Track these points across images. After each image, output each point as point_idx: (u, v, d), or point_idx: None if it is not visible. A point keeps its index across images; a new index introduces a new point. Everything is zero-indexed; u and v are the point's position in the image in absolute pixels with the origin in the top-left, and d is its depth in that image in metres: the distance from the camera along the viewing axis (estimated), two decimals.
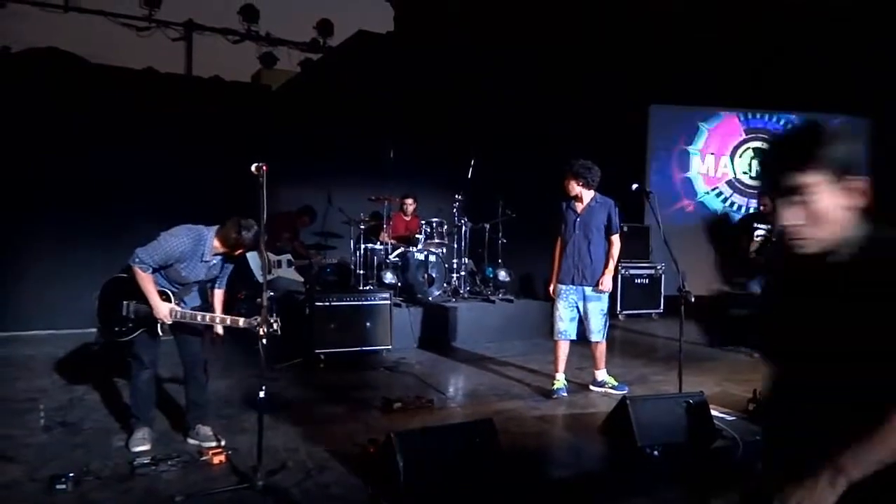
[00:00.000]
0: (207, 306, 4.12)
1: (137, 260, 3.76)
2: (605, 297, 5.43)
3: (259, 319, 3.47)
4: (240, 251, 3.96)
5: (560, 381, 5.40)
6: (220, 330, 4.01)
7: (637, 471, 3.93)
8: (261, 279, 3.79)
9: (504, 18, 11.56)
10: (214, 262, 3.98)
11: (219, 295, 4.17)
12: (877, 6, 9.84)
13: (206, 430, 4.02)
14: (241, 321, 3.74)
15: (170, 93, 8.70)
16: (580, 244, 5.35)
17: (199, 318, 3.88)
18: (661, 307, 9.79)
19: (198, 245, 3.86)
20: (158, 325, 3.87)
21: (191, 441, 3.99)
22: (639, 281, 9.62)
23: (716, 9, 10.45)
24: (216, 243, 3.89)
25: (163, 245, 3.80)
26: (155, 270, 3.83)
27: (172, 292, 3.89)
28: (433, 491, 3.28)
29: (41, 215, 7.45)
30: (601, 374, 5.58)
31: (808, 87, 10.45)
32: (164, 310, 3.80)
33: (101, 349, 5.80)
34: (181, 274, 3.89)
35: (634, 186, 5.15)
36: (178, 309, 3.85)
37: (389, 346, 6.73)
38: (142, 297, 3.81)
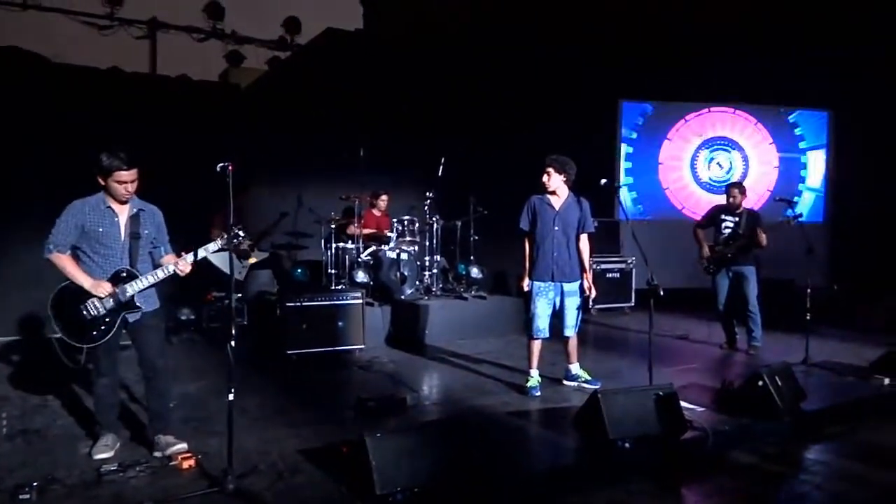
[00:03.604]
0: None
1: (51, 247, 3.65)
2: (581, 292, 5.45)
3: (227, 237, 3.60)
4: (124, 182, 3.67)
5: (534, 378, 5.39)
6: (186, 267, 3.81)
7: (609, 463, 3.96)
8: (236, 275, 3.72)
9: (473, 15, 11.57)
10: (127, 215, 3.79)
11: (168, 258, 3.93)
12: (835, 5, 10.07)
13: (168, 439, 3.88)
14: (210, 245, 3.77)
15: (135, 92, 8.56)
16: (559, 241, 5.30)
17: (159, 274, 3.77)
18: (633, 301, 9.88)
19: (96, 198, 3.75)
20: (134, 299, 3.75)
21: (155, 454, 3.83)
22: (610, 275, 9.70)
23: (683, 5, 10.58)
24: (104, 186, 3.72)
25: (63, 214, 3.70)
26: (77, 256, 3.72)
27: (127, 270, 3.76)
28: (407, 491, 3.27)
29: None
30: (574, 368, 5.60)
31: (771, 82, 10.64)
32: (102, 286, 3.67)
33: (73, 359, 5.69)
34: (101, 237, 3.72)
35: (603, 182, 5.19)
36: (137, 285, 3.74)
37: (362, 346, 6.70)
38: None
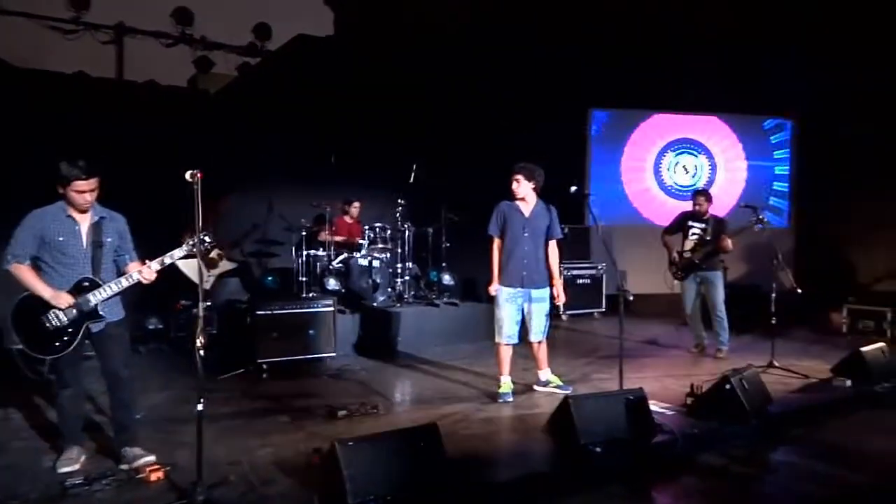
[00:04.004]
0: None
1: (9, 258, 3.60)
2: (549, 299, 5.50)
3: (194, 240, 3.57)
4: (83, 191, 3.64)
5: (506, 384, 5.41)
6: (151, 275, 3.77)
7: (580, 468, 3.99)
8: (203, 285, 3.68)
9: (444, 23, 11.61)
10: (88, 223, 3.74)
11: (133, 266, 3.87)
12: (801, 16, 10.32)
13: (136, 451, 3.83)
14: (175, 252, 3.71)
15: (102, 98, 8.43)
16: (528, 247, 5.35)
17: (123, 282, 3.73)
18: (604, 306, 9.98)
19: (55, 208, 3.70)
20: (98, 308, 3.69)
21: (122, 467, 3.76)
22: (581, 281, 9.79)
23: (651, 13, 10.74)
24: (63, 195, 3.69)
25: (22, 224, 3.65)
26: (39, 267, 3.66)
27: (90, 280, 3.70)
28: (380, 499, 3.25)
29: None
30: (545, 374, 5.64)
31: (738, 90, 10.85)
32: (62, 297, 3.60)
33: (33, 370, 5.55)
34: (63, 246, 3.66)
35: (573, 189, 5.25)
36: (100, 294, 3.69)
37: (334, 354, 6.65)
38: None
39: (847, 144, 10.28)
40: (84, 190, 3.65)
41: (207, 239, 3.63)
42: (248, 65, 12.59)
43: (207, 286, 7.52)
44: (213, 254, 7.67)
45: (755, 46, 10.44)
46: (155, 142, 7.79)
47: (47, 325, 3.60)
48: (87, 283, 3.69)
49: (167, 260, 3.79)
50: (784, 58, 10.30)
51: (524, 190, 5.37)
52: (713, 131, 11.55)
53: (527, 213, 5.41)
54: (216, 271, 7.73)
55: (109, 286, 3.72)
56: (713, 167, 11.54)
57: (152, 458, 3.78)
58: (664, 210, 10.90)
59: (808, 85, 10.38)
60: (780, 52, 10.34)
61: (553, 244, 5.50)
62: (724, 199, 10.59)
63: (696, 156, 11.52)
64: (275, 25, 12.21)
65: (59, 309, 3.61)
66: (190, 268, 7.11)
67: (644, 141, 11.40)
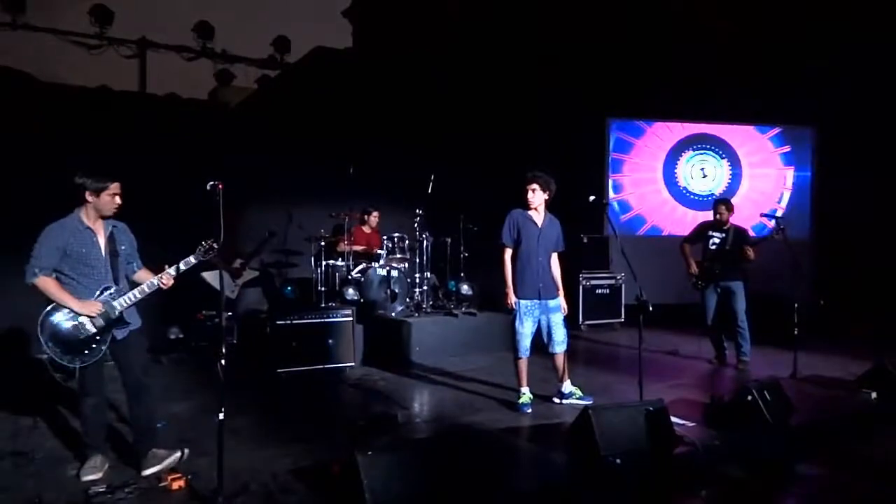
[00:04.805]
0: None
1: (36, 271, 3.64)
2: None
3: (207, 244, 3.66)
4: (117, 194, 3.77)
5: (526, 395, 5.39)
6: (169, 280, 3.85)
7: (600, 479, 3.96)
8: (228, 293, 3.74)
9: (461, 34, 11.68)
10: (104, 233, 3.82)
11: (142, 273, 3.97)
12: (818, 24, 10.25)
13: (161, 451, 3.88)
14: (191, 258, 3.78)
15: (124, 111, 8.56)
16: (542, 258, 5.35)
17: (145, 289, 3.80)
18: (623, 316, 9.90)
19: (72, 220, 3.76)
20: (123, 315, 3.77)
21: (144, 474, 3.78)
22: (600, 291, 9.71)
23: (668, 24, 10.73)
24: (87, 203, 3.76)
25: (42, 239, 3.70)
26: (59, 279, 3.70)
27: (113, 288, 3.77)
28: None
29: None
30: (566, 386, 5.58)
31: (757, 99, 10.78)
32: (92, 305, 3.68)
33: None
34: (85, 257, 3.73)
35: (592, 198, 5.23)
36: (125, 301, 3.76)
37: (352, 363, 6.68)
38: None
39: (869, 152, 10.15)
40: (119, 192, 3.78)
41: (216, 246, 3.69)
42: (268, 77, 12.75)
43: (233, 296, 7.60)
44: (236, 263, 7.76)
45: (773, 54, 10.38)
46: (176, 154, 7.88)
47: (77, 333, 3.67)
48: (110, 291, 3.78)
49: (182, 266, 3.86)
50: (804, 66, 10.22)
51: (538, 199, 5.36)
52: (736, 136, 11.38)
53: (539, 224, 5.39)
54: (240, 281, 7.81)
55: (133, 293, 3.80)
56: (737, 175, 11.35)
57: (177, 454, 3.84)
58: (675, 216, 10.87)
59: (831, 91, 10.28)
60: (800, 59, 10.26)
61: (555, 256, 5.50)
62: (752, 210, 10.45)
63: (718, 158, 11.33)
64: (294, 38, 12.36)
65: (88, 317, 3.68)
66: (215, 278, 7.19)
67: (664, 145, 11.26)
